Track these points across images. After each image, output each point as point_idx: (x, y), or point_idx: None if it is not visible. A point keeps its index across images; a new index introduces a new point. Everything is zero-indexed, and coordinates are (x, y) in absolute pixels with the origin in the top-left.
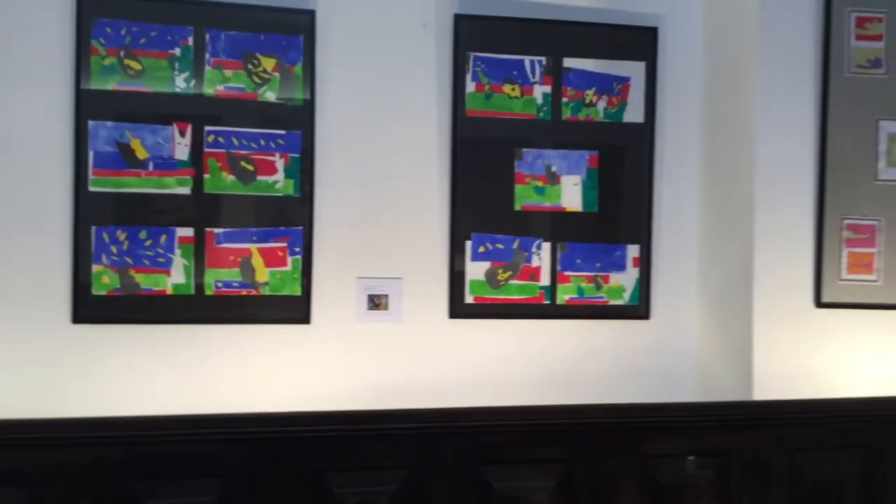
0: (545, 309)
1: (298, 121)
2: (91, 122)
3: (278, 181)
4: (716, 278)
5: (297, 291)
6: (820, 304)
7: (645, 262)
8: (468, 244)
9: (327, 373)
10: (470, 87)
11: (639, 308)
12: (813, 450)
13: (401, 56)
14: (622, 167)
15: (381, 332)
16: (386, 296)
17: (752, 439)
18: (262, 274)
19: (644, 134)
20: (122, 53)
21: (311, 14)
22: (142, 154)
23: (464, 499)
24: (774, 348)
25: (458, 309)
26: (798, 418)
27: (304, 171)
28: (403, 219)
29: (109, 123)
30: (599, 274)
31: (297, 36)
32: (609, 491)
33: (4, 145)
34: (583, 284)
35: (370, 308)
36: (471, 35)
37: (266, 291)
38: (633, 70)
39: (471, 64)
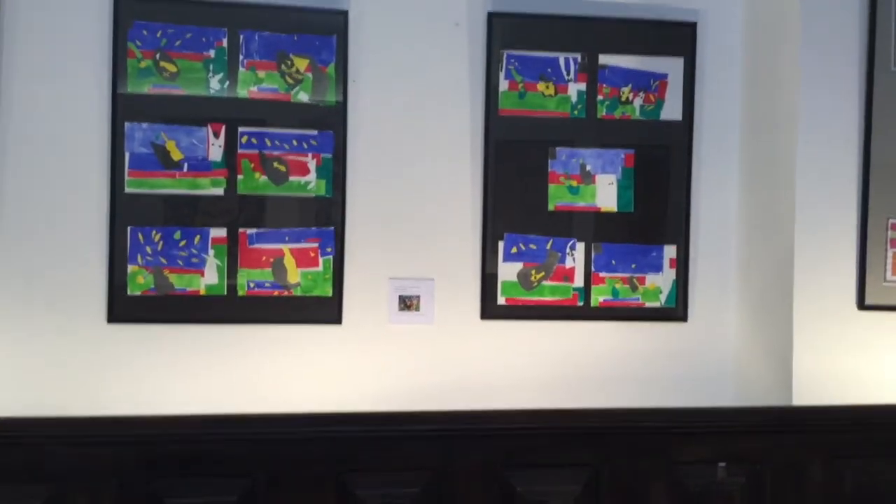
0: (579, 311)
1: (331, 121)
2: (127, 124)
3: (310, 182)
4: (755, 280)
5: (329, 292)
6: (863, 306)
7: (682, 264)
8: (501, 245)
9: (358, 374)
10: (503, 85)
11: (676, 310)
12: (851, 457)
13: (433, 55)
14: (659, 166)
15: (412, 334)
16: (417, 297)
17: (787, 446)
18: (294, 274)
19: (682, 132)
20: (157, 56)
21: (344, 14)
22: (177, 155)
23: (488, 502)
24: (815, 352)
25: (490, 310)
26: (835, 425)
27: (336, 172)
28: (435, 219)
29: (145, 125)
30: (635, 275)
31: (330, 36)
32: (637, 497)
33: (43, 147)
34: (618, 286)
35: (401, 309)
36: (504, 33)
37: (298, 292)
38: (671, 66)
39: (504, 62)
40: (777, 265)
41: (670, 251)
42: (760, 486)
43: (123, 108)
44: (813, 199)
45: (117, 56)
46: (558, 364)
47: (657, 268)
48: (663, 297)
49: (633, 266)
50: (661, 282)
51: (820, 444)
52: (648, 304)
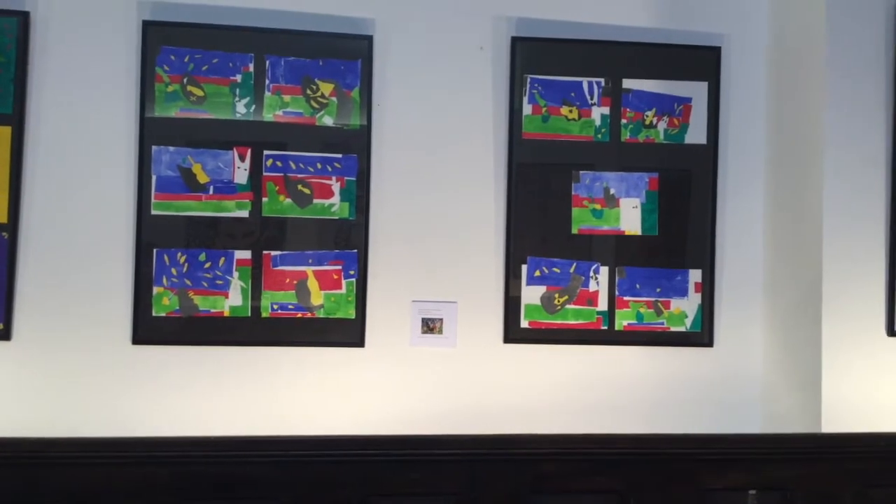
0: (603, 335)
1: (355, 144)
2: (154, 148)
3: (334, 204)
4: (783, 305)
5: (352, 314)
6: (893, 332)
7: (708, 288)
8: (524, 268)
9: (381, 396)
10: (527, 109)
11: (701, 335)
12: (883, 486)
13: (457, 79)
14: (683, 190)
15: (435, 357)
16: (440, 319)
17: (819, 474)
18: (318, 296)
19: (707, 155)
20: (185, 80)
21: (368, 39)
22: (203, 178)
23: None
24: (844, 378)
25: (513, 333)
26: (868, 452)
27: (359, 195)
28: (458, 242)
29: (172, 148)
30: (660, 299)
31: (355, 61)
32: None
33: (71, 170)
34: (642, 310)
35: (424, 332)
36: (527, 57)
37: (321, 314)
38: (695, 90)
39: (528, 86)
40: (805, 290)
41: (695, 275)
42: None
43: (151, 132)
44: (841, 222)
45: (145, 81)
46: (582, 388)
47: (682, 292)
48: (689, 322)
49: (658, 290)
50: (687, 306)
51: (851, 471)
52: (674, 329)
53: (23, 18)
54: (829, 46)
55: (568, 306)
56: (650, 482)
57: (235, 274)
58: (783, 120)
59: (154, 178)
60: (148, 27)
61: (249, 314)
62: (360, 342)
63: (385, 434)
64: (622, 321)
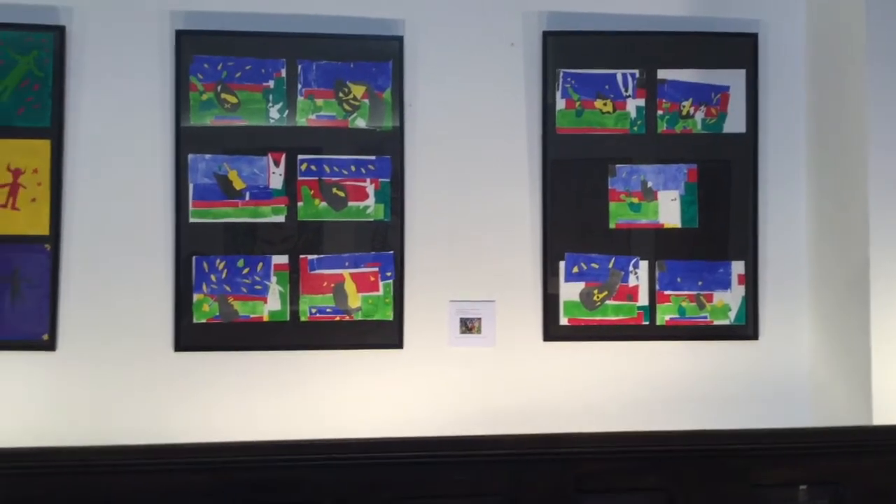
0: (644, 330)
1: (388, 146)
2: (191, 156)
3: (369, 206)
4: (829, 295)
5: (390, 316)
6: None
7: (751, 279)
8: (562, 264)
9: (421, 398)
10: (560, 104)
11: (746, 328)
12: None
13: (489, 76)
14: (724, 180)
15: (474, 356)
16: (479, 319)
17: (870, 467)
18: (355, 299)
19: (746, 144)
20: (218, 88)
21: (399, 40)
22: (239, 185)
23: None
24: (894, 368)
25: (553, 331)
26: None
27: (394, 196)
28: (495, 240)
29: (208, 156)
30: (702, 292)
31: (386, 62)
32: None
33: (109, 181)
34: (684, 304)
35: (462, 332)
36: (559, 52)
37: (359, 317)
38: (733, 79)
39: (560, 81)
40: (851, 279)
41: (738, 267)
42: None
43: (187, 141)
44: (886, 209)
45: (180, 90)
46: (625, 385)
47: (725, 284)
48: (732, 315)
49: (700, 283)
50: (730, 299)
51: None
52: (717, 322)
53: (59, 33)
54: (868, 31)
55: (608, 302)
56: (697, 479)
57: (273, 279)
58: (824, 106)
59: (191, 186)
60: (181, 36)
61: (288, 318)
62: (398, 344)
63: (426, 435)
64: (664, 316)
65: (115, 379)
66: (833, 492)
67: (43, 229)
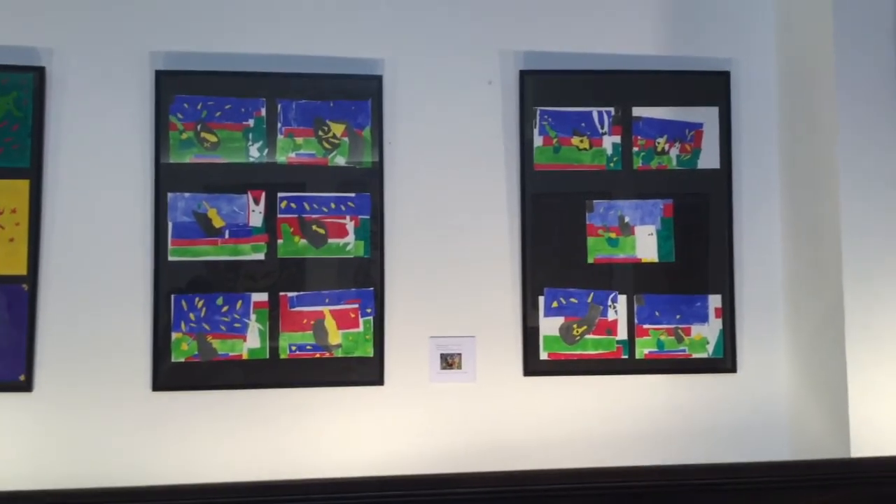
0: (623, 364)
1: (368, 183)
2: (170, 194)
3: (349, 243)
4: (805, 327)
5: (370, 353)
6: None
7: (728, 313)
8: (541, 299)
9: (402, 435)
10: (538, 141)
11: (724, 361)
12: None
13: (467, 114)
14: (699, 215)
15: (454, 392)
16: (459, 354)
17: (848, 500)
18: (335, 336)
19: (721, 180)
20: (198, 127)
21: (378, 79)
22: (218, 223)
23: None
24: (871, 399)
25: (533, 366)
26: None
27: (374, 233)
28: (475, 276)
29: (187, 195)
30: (680, 326)
31: (365, 101)
32: None
33: (88, 219)
34: (662, 337)
35: (443, 367)
36: (536, 90)
37: (339, 353)
38: (706, 116)
39: (537, 118)
40: (827, 310)
41: (715, 300)
42: None
43: (166, 179)
44: (860, 241)
45: (160, 129)
46: (605, 420)
47: (703, 318)
48: (710, 348)
49: (678, 317)
50: (708, 332)
51: (883, 497)
52: (696, 355)
53: (38, 74)
54: (837, 65)
55: (587, 336)
56: None
57: (253, 316)
58: (796, 141)
59: (170, 224)
60: (161, 77)
61: (268, 356)
62: (379, 380)
63: (406, 474)
64: (643, 349)
65: (92, 420)
66: None
67: (21, 269)
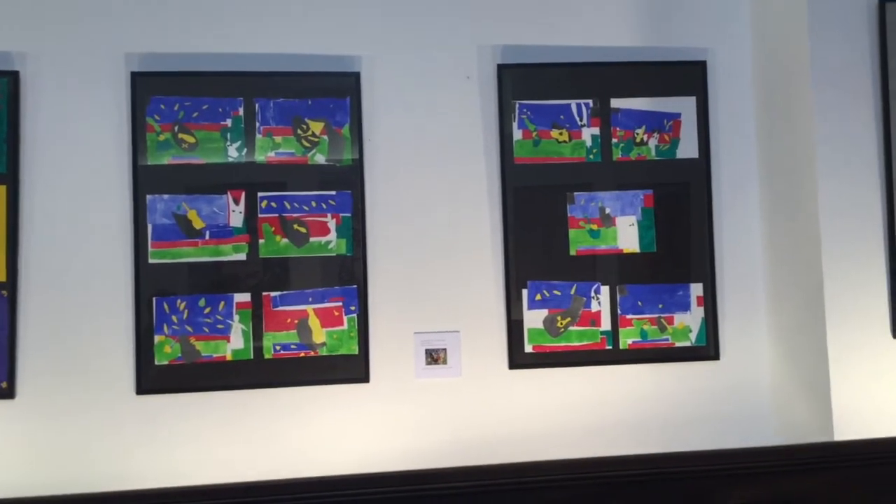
0: (608, 354)
1: (348, 181)
2: (149, 197)
3: (331, 241)
4: (786, 313)
5: (355, 350)
6: None
7: (710, 301)
8: (524, 292)
9: (388, 431)
10: (517, 134)
11: (707, 349)
12: None
13: (446, 109)
14: (679, 204)
15: (440, 387)
16: (444, 349)
17: (831, 483)
18: (319, 334)
19: (700, 169)
20: (176, 128)
21: (355, 76)
22: (198, 224)
23: None
24: (852, 384)
25: (518, 359)
26: (879, 458)
27: (355, 230)
28: (458, 271)
29: (166, 196)
30: (663, 315)
31: (343, 99)
32: None
33: (66, 223)
34: (646, 327)
35: (428, 363)
36: (514, 84)
37: (324, 352)
38: (684, 106)
39: (516, 112)
40: (807, 297)
41: (697, 289)
42: None
43: (144, 182)
44: (838, 227)
45: (136, 131)
46: (591, 410)
47: (685, 307)
48: (693, 336)
49: (661, 306)
50: (690, 320)
51: (865, 479)
52: (679, 344)
53: (12, 78)
54: (812, 53)
55: (571, 328)
56: (663, 502)
57: (236, 317)
58: (773, 129)
59: (150, 226)
60: (137, 78)
61: (252, 356)
62: (364, 378)
63: (393, 471)
64: (626, 339)
65: (76, 425)
66: None
67: (0, 275)
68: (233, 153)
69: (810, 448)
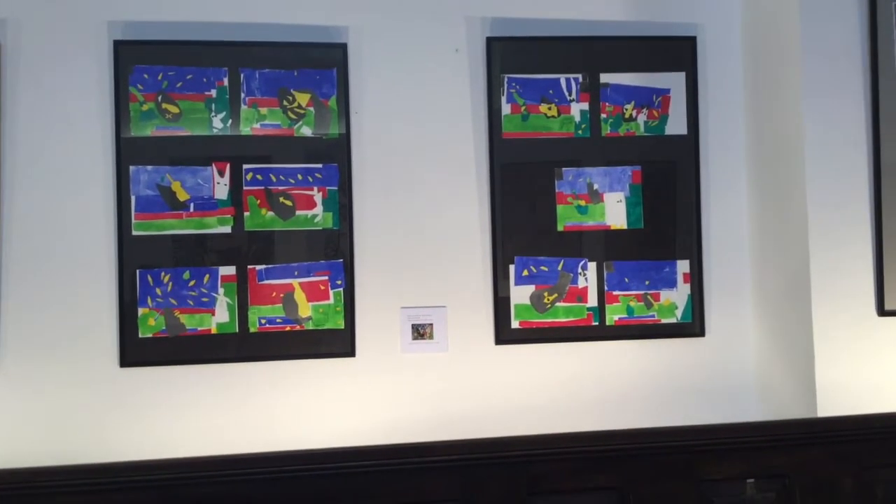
0: (594, 330)
1: (335, 154)
2: (132, 168)
3: (317, 215)
4: (772, 290)
5: (341, 325)
6: (883, 312)
7: (696, 278)
8: (511, 268)
9: (374, 405)
10: (505, 109)
11: (692, 325)
12: (881, 467)
13: (434, 83)
14: (667, 181)
15: (426, 362)
16: (430, 325)
17: (815, 459)
18: (305, 309)
19: (688, 145)
20: (159, 98)
21: (342, 47)
22: (182, 196)
23: None
24: (837, 361)
25: (504, 335)
26: (864, 434)
27: (342, 204)
28: (445, 246)
29: (150, 167)
30: (649, 292)
31: (330, 70)
32: None
33: (48, 194)
34: (632, 303)
35: (415, 338)
36: (504, 57)
37: (309, 326)
38: (673, 81)
39: (505, 86)
40: (793, 274)
41: (683, 266)
42: (791, 502)
43: (127, 152)
44: (825, 205)
45: (119, 101)
46: (576, 386)
47: (671, 283)
48: (679, 313)
49: (647, 283)
50: (676, 297)
51: (849, 454)
52: (665, 321)
53: None
54: (803, 30)
55: (558, 304)
56: (648, 477)
57: (221, 290)
58: (762, 106)
59: (133, 198)
60: (119, 47)
61: (237, 330)
62: (350, 352)
63: (378, 444)
64: (613, 316)
65: (60, 398)
66: (780, 485)
67: None
68: (217, 124)
69: (794, 424)
